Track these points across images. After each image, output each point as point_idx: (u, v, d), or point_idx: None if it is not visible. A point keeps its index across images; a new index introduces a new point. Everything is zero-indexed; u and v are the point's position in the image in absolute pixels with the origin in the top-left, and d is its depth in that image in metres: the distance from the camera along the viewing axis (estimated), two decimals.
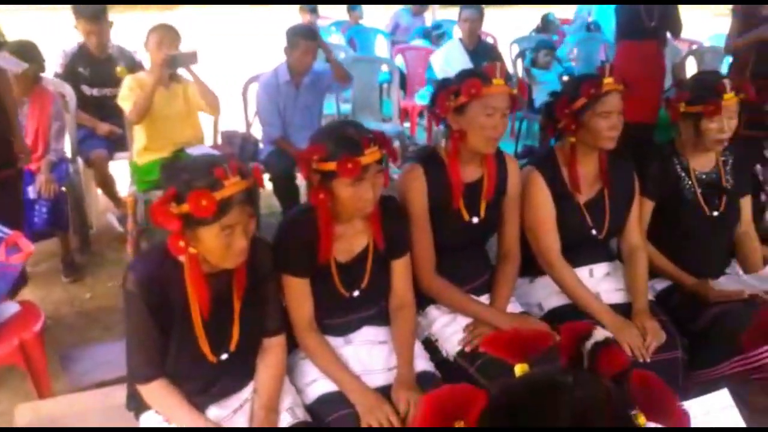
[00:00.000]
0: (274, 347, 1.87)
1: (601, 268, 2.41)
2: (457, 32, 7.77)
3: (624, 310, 2.27)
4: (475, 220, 2.20)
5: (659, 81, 5.00)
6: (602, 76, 2.19)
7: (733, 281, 2.35)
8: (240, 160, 3.65)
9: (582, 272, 2.34)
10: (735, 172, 2.49)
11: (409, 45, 6.52)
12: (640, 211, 2.42)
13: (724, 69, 5.99)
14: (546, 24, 7.63)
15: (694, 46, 6.73)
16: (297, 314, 1.92)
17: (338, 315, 2.00)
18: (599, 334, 0.81)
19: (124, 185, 4.06)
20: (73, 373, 2.07)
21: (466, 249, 2.28)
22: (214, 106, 3.71)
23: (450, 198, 2.15)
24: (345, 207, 1.86)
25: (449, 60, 4.91)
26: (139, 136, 3.62)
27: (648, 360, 2.09)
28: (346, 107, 5.21)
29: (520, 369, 0.83)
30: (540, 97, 5.60)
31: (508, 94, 2.08)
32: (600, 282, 2.37)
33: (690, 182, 2.43)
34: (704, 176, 2.45)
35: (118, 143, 3.99)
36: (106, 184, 4.12)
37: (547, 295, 2.35)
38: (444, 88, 2.10)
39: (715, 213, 2.43)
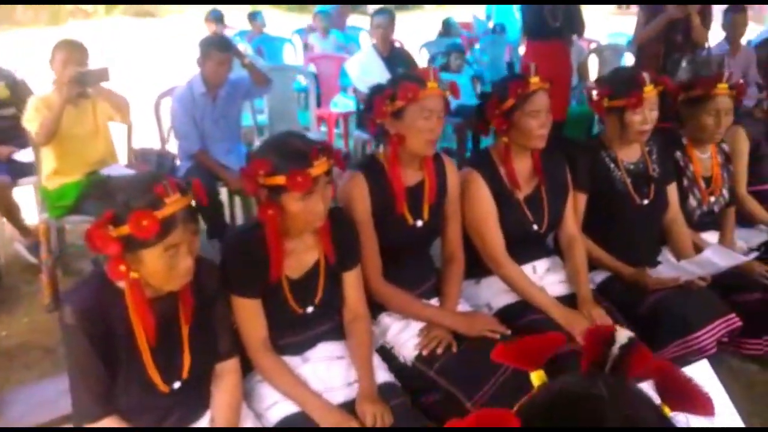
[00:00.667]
0: (228, 372, 1.78)
1: (542, 264, 2.45)
2: (364, 38, 7.84)
3: (568, 300, 2.31)
4: (419, 223, 2.19)
5: (567, 79, 5.19)
6: (528, 75, 2.23)
7: (669, 268, 2.45)
8: None
9: (526, 269, 2.37)
10: (660, 161, 2.60)
11: (322, 54, 6.48)
12: (575, 205, 2.48)
13: (626, 64, 6.33)
14: (447, 28, 7.78)
15: (593, 45, 7.05)
16: (250, 336, 1.84)
17: (293, 333, 1.93)
18: (622, 335, 0.78)
19: (30, 212, 3.80)
20: (7, 417, 1.89)
21: (411, 253, 2.26)
22: (125, 111, 3.53)
23: (393, 203, 2.13)
24: (295, 221, 1.79)
25: (365, 67, 4.90)
26: (47, 158, 3.38)
27: None
28: (262, 118, 5.11)
29: (537, 377, 0.80)
30: (455, 100, 5.68)
31: (442, 96, 2.09)
32: (543, 277, 2.42)
33: (619, 173, 2.51)
34: (632, 167, 2.54)
35: (20, 168, 3.73)
36: (11, 212, 3.84)
37: (494, 294, 2.36)
38: (380, 93, 2.09)
39: (645, 201, 2.52)
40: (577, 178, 2.48)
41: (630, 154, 2.55)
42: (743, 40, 5.20)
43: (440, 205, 2.25)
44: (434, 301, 2.24)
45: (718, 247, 2.58)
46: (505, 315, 2.28)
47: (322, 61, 6.11)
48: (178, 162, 3.99)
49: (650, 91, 2.39)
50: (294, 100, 5.27)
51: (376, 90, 2.13)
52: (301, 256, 1.91)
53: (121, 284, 1.55)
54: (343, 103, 5.76)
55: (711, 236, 2.83)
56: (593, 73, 6.30)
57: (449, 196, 2.26)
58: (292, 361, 1.91)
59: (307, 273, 1.92)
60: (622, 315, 2.30)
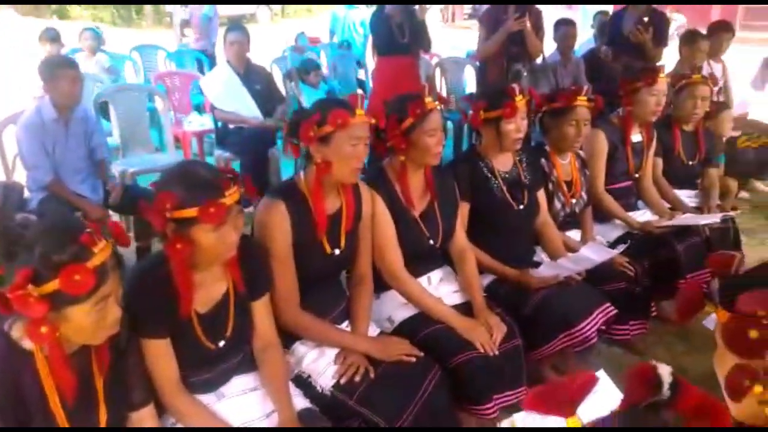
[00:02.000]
0: (144, 420, 1.67)
1: (436, 275, 2.54)
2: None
3: (463, 309, 2.42)
4: (337, 252, 2.18)
5: (416, 92, 5.39)
6: (423, 96, 2.31)
7: (549, 267, 2.63)
8: (4, 212, 3.18)
9: (421, 281, 2.45)
10: (530, 169, 2.79)
11: (171, 71, 6.23)
12: (460, 215, 2.60)
13: (466, 76, 6.70)
14: (299, 43, 7.81)
15: (435, 58, 7.36)
16: (162, 378, 1.74)
17: (205, 370, 1.85)
18: (665, 373, 0.81)
19: None
20: None
21: (325, 281, 2.25)
22: None
23: (313, 232, 2.10)
24: (207, 254, 1.72)
25: (223, 85, 4.79)
26: None
27: (496, 352, 2.26)
28: (112, 141, 4.80)
29: (572, 423, 0.81)
30: None
31: (368, 123, 2.10)
32: (438, 287, 2.50)
33: (496, 182, 2.67)
34: (507, 175, 2.71)
35: None
36: None
37: (394, 308, 2.41)
38: (305, 118, 2.03)
39: (521, 207, 2.70)
40: (460, 189, 2.60)
41: (504, 163, 2.72)
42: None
43: (355, 231, 2.25)
44: (345, 325, 2.25)
45: (593, 244, 2.82)
46: (406, 327, 2.34)
47: (173, 78, 5.88)
48: (27, 194, 3.66)
49: (521, 101, 2.56)
50: (146, 120, 5.02)
51: (301, 114, 2.09)
52: (209, 288, 1.84)
53: (28, 344, 1.41)
54: (198, 122, 5.59)
55: (574, 234, 3.08)
56: (439, 87, 6.60)
57: (363, 221, 2.27)
58: (206, 399, 1.85)
59: (216, 306, 1.85)
60: (509, 315, 2.44)
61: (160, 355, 1.74)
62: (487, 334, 2.27)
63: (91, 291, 1.34)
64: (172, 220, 1.66)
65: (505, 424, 1.40)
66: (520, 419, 1.40)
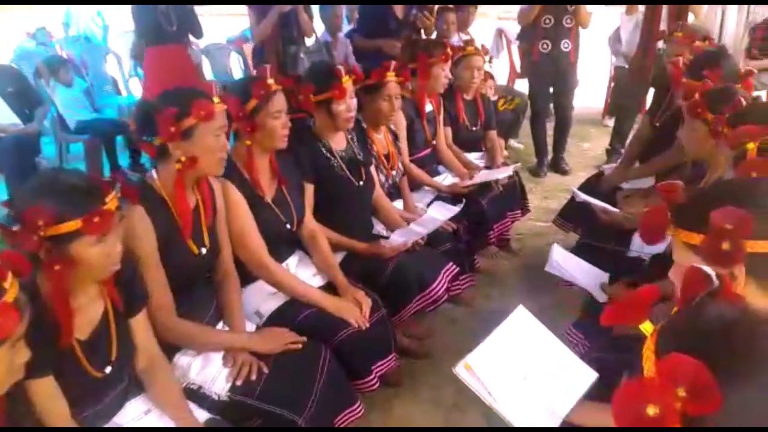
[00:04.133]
0: None
1: (293, 260, 2.52)
2: None
3: (326, 289, 2.43)
4: (204, 250, 2.04)
5: (193, 81, 5.18)
6: (265, 77, 2.25)
7: (401, 234, 2.75)
8: None
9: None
10: (361, 146, 2.87)
11: None
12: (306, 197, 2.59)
13: (231, 62, 6.58)
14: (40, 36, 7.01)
15: (194, 47, 7.06)
16: (52, 418, 1.52)
17: (95, 401, 1.65)
18: (709, 270, 0.90)
19: None
20: None
21: (195, 283, 2.10)
22: None
23: (176, 233, 1.95)
24: (90, 270, 1.53)
25: None
26: None
27: (368, 325, 2.32)
28: None
29: (646, 328, 0.88)
30: (70, 116, 5.16)
31: (225, 112, 1.98)
32: (297, 273, 2.47)
33: (336, 161, 2.70)
34: (343, 153, 2.75)
35: None
36: None
37: (261, 300, 2.34)
38: (160, 113, 1.83)
39: (361, 183, 2.77)
40: (303, 171, 2.58)
41: (339, 142, 2.76)
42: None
43: (215, 226, 2.13)
44: (220, 326, 2.14)
45: (436, 205, 2.99)
46: (278, 318, 2.29)
47: None
48: None
49: (347, 82, 2.62)
50: None
51: (149, 108, 1.88)
52: (86, 311, 1.63)
53: None
54: None
55: (398, 204, 3.24)
56: (208, 74, 6.38)
57: (219, 215, 2.15)
58: None
59: (96, 330, 1.65)
60: (367, 286, 2.50)
61: (48, 395, 1.52)
62: (357, 310, 2.32)
63: (10, 333, 1.14)
64: (47, 239, 1.44)
65: (459, 368, 1.48)
66: (472, 359, 1.49)
